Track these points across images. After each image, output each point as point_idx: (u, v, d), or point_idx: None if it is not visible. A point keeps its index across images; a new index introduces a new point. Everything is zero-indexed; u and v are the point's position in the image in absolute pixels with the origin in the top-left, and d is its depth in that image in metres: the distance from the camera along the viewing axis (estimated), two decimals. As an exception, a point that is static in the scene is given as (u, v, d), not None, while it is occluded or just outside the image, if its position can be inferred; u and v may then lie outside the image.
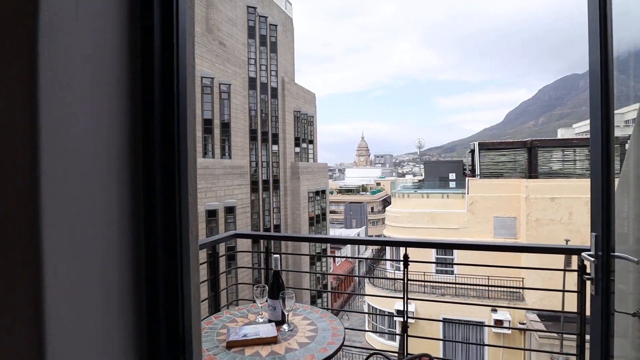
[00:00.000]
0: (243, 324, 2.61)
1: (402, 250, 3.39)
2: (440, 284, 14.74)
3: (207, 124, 22.44)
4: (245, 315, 2.81)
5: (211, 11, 25.50)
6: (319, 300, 37.15)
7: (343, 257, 51.21)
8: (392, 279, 14.85)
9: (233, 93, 25.02)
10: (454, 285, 14.72)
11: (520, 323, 13.10)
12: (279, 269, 2.68)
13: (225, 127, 24.13)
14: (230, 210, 23.14)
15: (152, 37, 0.97)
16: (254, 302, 2.78)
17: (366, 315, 16.09)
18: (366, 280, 16.54)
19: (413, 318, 13.76)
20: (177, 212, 1.01)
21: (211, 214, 21.25)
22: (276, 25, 32.01)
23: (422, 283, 14.89)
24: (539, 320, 12.53)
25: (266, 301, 2.63)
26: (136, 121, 0.96)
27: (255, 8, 29.97)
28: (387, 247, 16.48)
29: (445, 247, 12.32)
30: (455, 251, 14.94)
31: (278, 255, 2.68)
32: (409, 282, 3.42)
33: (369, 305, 15.93)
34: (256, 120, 30.72)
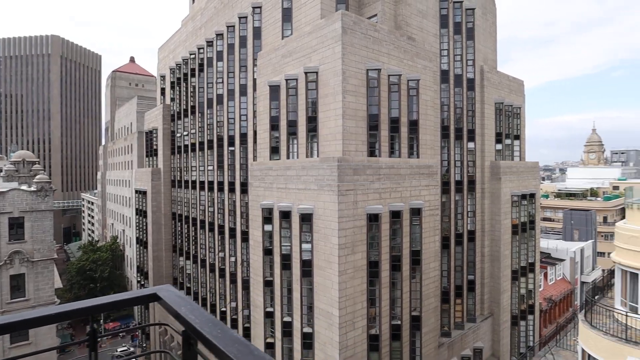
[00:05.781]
0: None
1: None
2: None
3: (394, 122, 22.03)
4: None
5: (400, 7, 24.97)
6: (523, 323, 31.67)
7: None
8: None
9: (422, 88, 23.81)
10: None
11: None
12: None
13: (413, 125, 23.19)
14: (416, 212, 22.11)
15: None
16: None
17: (579, 359, 12.11)
18: (580, 316, 12.52)
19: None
20: None
21: (395, 215, 20.76)
22: (473, 9, 28.77)
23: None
24: None
25: None
26: None
27: (448, -6, 27.74)
28: (619, 278, 11.84)
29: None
30: None
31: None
32: None
33: (583, 350, 11.99)
34: (449, 115, 28.52)
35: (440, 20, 27.94)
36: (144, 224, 43.94)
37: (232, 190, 31.07)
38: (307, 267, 19.77)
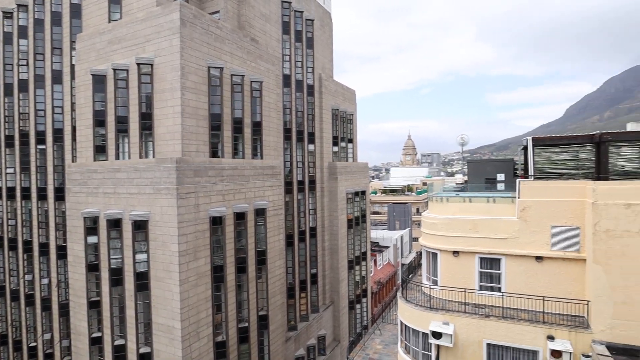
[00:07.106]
0: None
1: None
2: (484, 303, 12.81)
3: (237, 123, 21.75)
4: None
5: (243, 7, 24.86)
6: (358, 306, 35.62)
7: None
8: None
9: (265, 91, 24.22)
10: (500, 305, 12.66)
11: (584, 355, 10.86)
12: None
13: (257, 126, 23.36)
14: (260, 212, 22.33)
15: None
16: None
17: (399, 330, 14.45)
18: (398, 293, 14.83)
19: (450, 341, 11.96)
20: None
21: (239, 216, 20.51)
22: (312, 20, 30.86)
23: (462, 300, 12.99)
24: (609, 354, 10.26)
25: None
26: None
27: (290, 3, 29.03)
28: (425, 258, 14.72)
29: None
30: (503, 265, 12.88)
31: None
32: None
33: (401, 322, 14.27)
34: (291, 119, 29.83)
35: (282, 26, 28.99)
36: None
37: (42, 197, 25.59)
38: (142, 280, 17.75)
